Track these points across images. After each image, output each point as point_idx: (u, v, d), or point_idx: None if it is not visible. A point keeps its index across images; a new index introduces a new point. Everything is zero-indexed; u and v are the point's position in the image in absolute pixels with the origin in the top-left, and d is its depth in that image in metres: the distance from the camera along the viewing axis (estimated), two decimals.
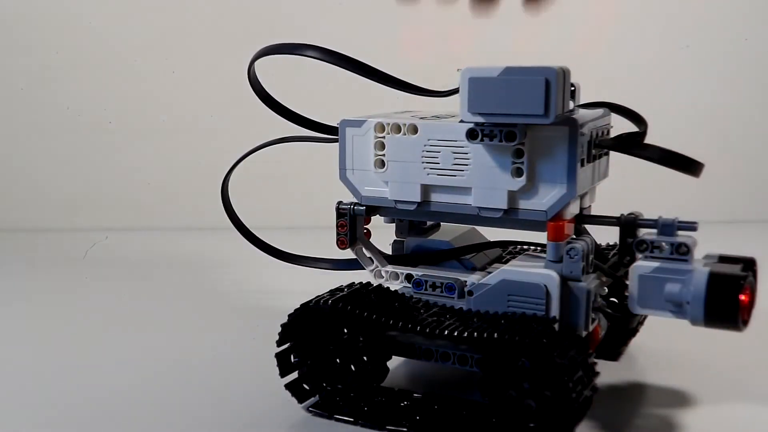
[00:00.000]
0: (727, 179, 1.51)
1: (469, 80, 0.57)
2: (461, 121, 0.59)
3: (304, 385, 0.64)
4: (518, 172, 0.59)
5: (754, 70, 1.53)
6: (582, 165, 0.60)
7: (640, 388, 0.69)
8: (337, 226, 0.69)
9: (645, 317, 0.74)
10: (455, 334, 0.57)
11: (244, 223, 0.82)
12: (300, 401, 0.64)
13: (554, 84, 0.54)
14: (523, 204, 0.60)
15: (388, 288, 0.66)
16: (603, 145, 0.62)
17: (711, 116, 1.53)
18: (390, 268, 0.68)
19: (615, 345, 0.71)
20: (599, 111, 0.65)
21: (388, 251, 0.73)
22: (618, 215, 0.63)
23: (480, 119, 0.57)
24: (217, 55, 1.41)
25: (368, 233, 0.71)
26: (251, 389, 0.68)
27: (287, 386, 0.63)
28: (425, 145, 0.63)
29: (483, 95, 0.56)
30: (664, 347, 0.77)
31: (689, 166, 0.59)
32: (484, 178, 0.61)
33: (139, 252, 1.26)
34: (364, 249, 0.69)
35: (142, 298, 0.99)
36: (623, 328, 0.71)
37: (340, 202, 0.69)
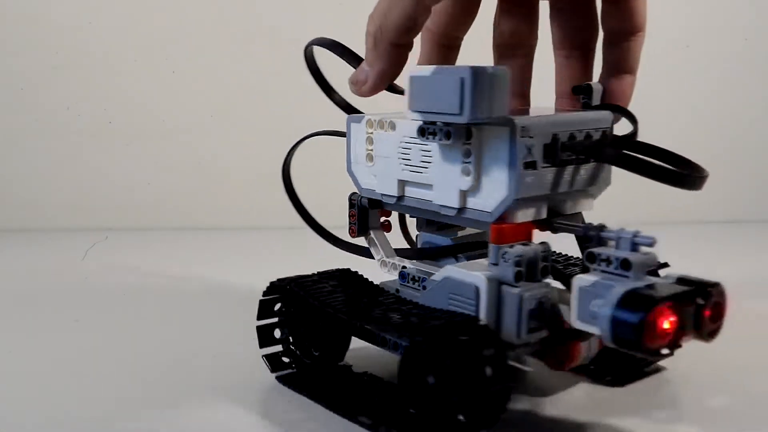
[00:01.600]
0: (727, 179, 1.51)
1: (410, 78, 0.59)
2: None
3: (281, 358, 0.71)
4: (467, 172, 0.59)
5: (754, 70, 1.53)
6: (533, 168, 0.57)
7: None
8: (349, 216, 0.71)
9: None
10: (355, 316, 0.61)
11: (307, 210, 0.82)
12: (273, 371, 0.70)
13: (469, 83, 0.54)
14: (472, 204, 0.60)
15: (360, 276, 0.70)
16: (573, 149, 0.59)
17: (711, 116, 1.53)
18: (393, 259, 0.70)
19: (625, 370, 0.69)
20: (582, 113, 0.62)
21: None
22: (585, 224, 0.60)
23: (419, 117, 0.59)
24: (217, 55, 1.42)
25: (388, 225, 0.72)
26: (250, 380, 0.69)
27: (264, 356, 0.70)
28: (401, 142, 0.65)
29: (418, 93, 0.58)
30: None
31: (676, 180, 0.55)
32: (442, 176, 0.61)
33: (139, 252, 1.26)
34: (375, 239, 0.71)
35: (142, 297, 0.99)
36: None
37: (353, 194, 0.71)
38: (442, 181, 0.61)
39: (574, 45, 0.67)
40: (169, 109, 1.44)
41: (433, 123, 0.59)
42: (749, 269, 1.14)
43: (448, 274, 0.61)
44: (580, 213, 0.65)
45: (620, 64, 0.64)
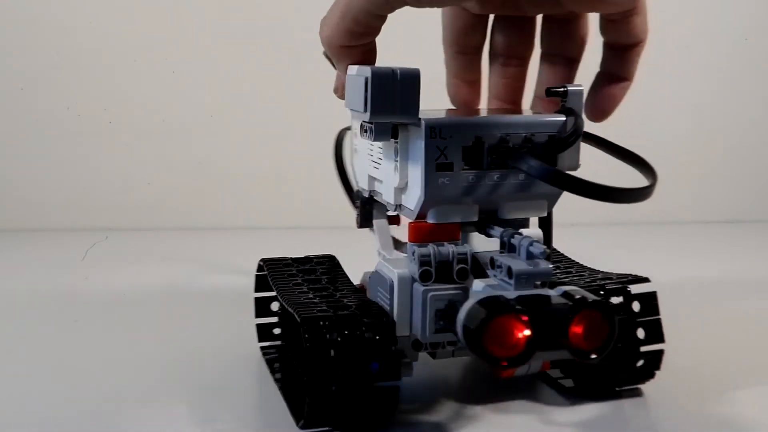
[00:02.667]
0: (727, 179, 1.51)
1: (347, 77, 0.60)
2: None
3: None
4: (396, 169, 0.60)
5: (754, 70, 1.53)
6: (449, 170, 0.57)
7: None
8: (355, 207, 0.72)
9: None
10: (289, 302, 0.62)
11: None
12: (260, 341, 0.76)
13: (372, 83, 0.54)
14: (404, 201, 0.61)
15: (334, 265, 0.73)
16: (498, 151, 0.58)
17: (711, 116, 1.53)
18: (383, 251, 0.70)
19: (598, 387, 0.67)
20: (528, 117, 0.60)
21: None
22: (503, 229, 0.59)
23: (350, 113, 0.61)
24: (217, 55, 1.42)
25: (397, 218, 0.72)
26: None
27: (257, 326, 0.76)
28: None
29: (348, 92, 0.59)
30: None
31: (605, 195, 0.52)
32: (385, 173, 0.63)
33: (139, 252, 1.26)
34: (378, 231, 0.71)
35: (142, 298, 0.99)
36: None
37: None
38: (385, 178, 0.63)
39: (561, 56, 0.66)
40: (169, 109, 1.44)
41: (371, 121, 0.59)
42: (749, 269, 1.15)
43: (377, 268, 0.63)
44: (527, 218, 0.62)
45: (617, 70, 0.63)
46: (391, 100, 0.55)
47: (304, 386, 0.60)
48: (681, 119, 1.51)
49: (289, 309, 0.61)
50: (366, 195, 0.69)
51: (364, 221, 0.71)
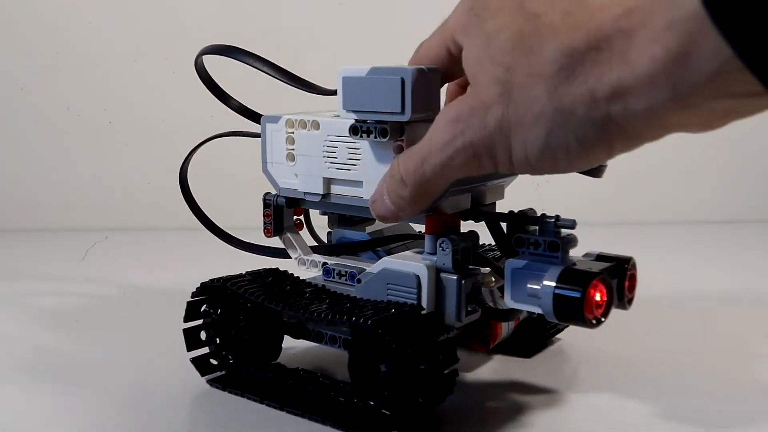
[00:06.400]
0: (727, 179, 1.51)
1: (342, 79, 0.59)
2: (335, 116, 0.64)
3: (210, 360, 0.71)
4: None
5: None
6: None
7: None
8: (264, 216, 0.73)
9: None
10: (312, 314, 0.61)
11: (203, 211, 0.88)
12: (203, 375, 0.70)
13: (409, 83, 0.55)
14: None
15: (291, 274, 0.71)
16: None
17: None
18: (311, 257, 0.71)
19: (530, 343, 0.77)
20: None
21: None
22: (507, 211, 0.64)
23: (354, 116, 0.59)
24: (216, 55, 1.41)
25: (300, 224, 0.74)
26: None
27: (192, 360, 0.69)
28: (326, 141, 0.66)
29: (353, 93, 0.58)
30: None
31: None
32: (373, 173, 0.62)
33: (139, 252, 1.26)
34: (291, 238, 0.73)
35: (142, 297, 0.99)
36: (536, 327, 0.77)
37: (266, 194, 0.73)
38: (374, 177, 0.61)
39: None
40: (169, 109, 1.45)
41: (365, 121, 0.59)
42: (749, 269, 1.15)
43: (386, 266, 0.63)
44: (494, 203, 0.68)
45: None
46: (424, 98, 0.56)
47: (363, 391, 0.61)
48: None
49: (337, 319, 0.59)
50: (283, 200, 0.70)
51: (278, 229, 0.72)
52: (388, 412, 0.59)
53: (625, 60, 0.39)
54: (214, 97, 0.83)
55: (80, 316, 0.91)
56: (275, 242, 0.75)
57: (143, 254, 1.25)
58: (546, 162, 0.45)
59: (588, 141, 0.43)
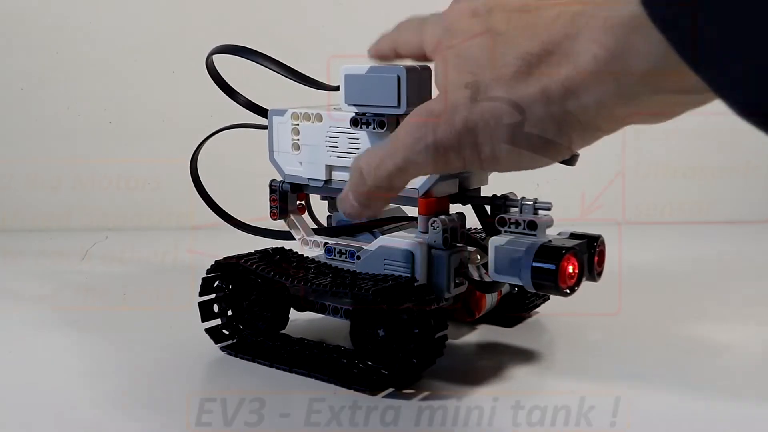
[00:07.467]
0: (727, 179, 1.51)
1: (345, 76, 0.66)
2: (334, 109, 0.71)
3: (223, 331, 0.78)
4: None
5: None
6: None
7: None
8: (270, 201, 0.80)
9: (546, 296, 0.86)
10: (318, 286, 0.68)
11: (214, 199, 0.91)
12: (216, 343, 0.77)
13: (404, 80, 0.63)
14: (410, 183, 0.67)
15: (296, 252, 0.77)
16: None
17: (711, 116, 1.53)
18: (313, 237, 0.78)
19: (512, 315, 0.85)
20: None
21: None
22: (491, 195, 0.72)
23: (355, 109, 0.67)
24: (216, 55, 1.41)
25: (303, 208, 0.81)
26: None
27: (207, 330, 0.76)
28: (328, 131, 0.74)
29: (354, 89, 0.66)
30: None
31: None
32: None
33: (139, 252, 1.26)
34: (295, 221, 0.80)
35: (142, 297, 0.99)
36: (516, 299, 0.84)
37: (273, 180, 0.80)
38: None
39: None
40: (169, 109, 1.44)
41: (365, 114, 0.67)
42: (748, 269, 1.15)
43: (383, 243, 0.71)
44: (480, 187, 0.75)
45: None
46: (418, 92, 0.65)
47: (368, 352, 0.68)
48: (680, 119, 1.51)
49: (341, 290, 0.67)
50: (288, 186, 0.78)
51: (283, 212, 0.80)
52: (386, 372, 0.66)
53: (570, 60, 0.45)
54: (217, 95, 0.86)
55: (80, 316, 0.91)
56: (278, 227, 0.82)
57: (143, 254, 1.24)
58: (512, 158, 0.50)
59: (549, 135, 0.48)
